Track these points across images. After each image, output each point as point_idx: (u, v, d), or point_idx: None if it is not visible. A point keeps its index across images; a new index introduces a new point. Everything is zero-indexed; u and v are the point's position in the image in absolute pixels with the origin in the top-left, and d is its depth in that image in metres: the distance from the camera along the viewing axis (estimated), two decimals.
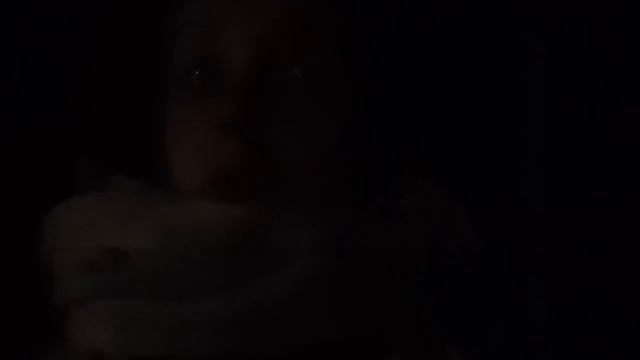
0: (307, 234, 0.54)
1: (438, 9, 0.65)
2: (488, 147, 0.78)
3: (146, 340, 0.53)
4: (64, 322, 0.57)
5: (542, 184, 0.83)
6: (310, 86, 0.57)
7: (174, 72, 0.60)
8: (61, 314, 0.57)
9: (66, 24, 0.64)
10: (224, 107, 0.56)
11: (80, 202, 0.58)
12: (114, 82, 0.61)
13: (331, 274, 0.53)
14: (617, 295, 0.81)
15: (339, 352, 0.54)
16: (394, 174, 0.59)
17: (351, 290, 0.54)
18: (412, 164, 0.60)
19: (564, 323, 0.80)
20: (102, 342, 0.54)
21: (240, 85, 0.56)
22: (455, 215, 0.59)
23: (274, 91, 0.57)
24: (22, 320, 0.62)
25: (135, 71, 0.61)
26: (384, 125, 0.60)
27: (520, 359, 0.67)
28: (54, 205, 0.59)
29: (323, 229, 0.54)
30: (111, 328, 0.54)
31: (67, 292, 0.56)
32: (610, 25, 0.81)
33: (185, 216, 0.55)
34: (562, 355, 0.80)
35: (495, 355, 0.60)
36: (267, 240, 0.53)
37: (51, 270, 0.57)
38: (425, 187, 0.59)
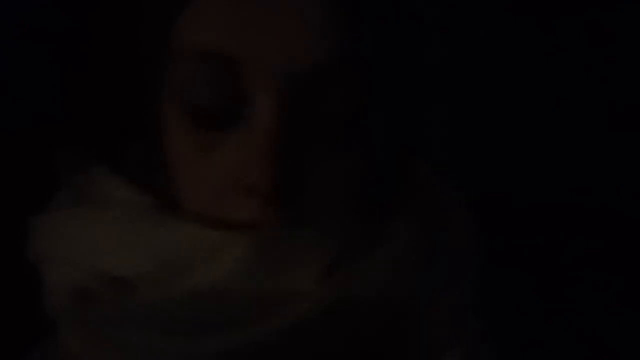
0: (316, 267, 0.50)
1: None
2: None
3: None
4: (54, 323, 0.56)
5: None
6: (344, 120, 0.51)
7: (173, 99, 0.51)
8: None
9: (56, 22, 0.62)
10: (247, 165, 0.49)
11: (71, 216, 0.54)
12: (100, 78, 0.57)
13: (339, 307, 0.51)
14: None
15: None
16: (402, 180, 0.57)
17: (357, 320, 0.52)
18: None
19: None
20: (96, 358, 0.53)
21: (266, 142, 0.48)
22: (464, 239, 0.56)
23: (305, 136, 0.50)
24: (13, 318, 0.61)
25: (127, 72, 0.55)
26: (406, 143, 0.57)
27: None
28: (41, 203, 0.56)
29: (333, 261, 0.51)
30: (105, 353, 0.52)
31: (58, 311, 0.54)
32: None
33: (188, 245, 0.51)
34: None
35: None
36: (274, 272, 0.50)
37: (40, 275, 0.55)
38: (432, 194, 0.57)
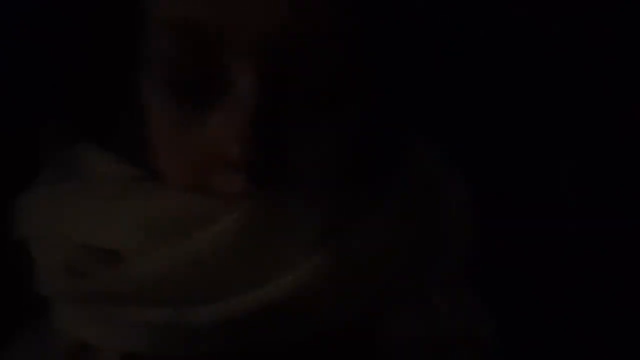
0: (308, 234, 0.50)
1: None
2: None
3: (136, 340, 0.51)
4: (43, 304, 0.55)
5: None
6: (325, 92, 0.51)
7: (154, 74, 0.51)
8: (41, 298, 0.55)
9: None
10: (228, 140, 0.49)
11: (58, 191, 0.54)
12: (83, 52, 0.55)
13: (332, 274, 0.51)
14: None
15: (334, 343, 0.52)
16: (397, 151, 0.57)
17: (351, 286, 0.52)
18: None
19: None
20: (90, 337, 0.53)
21: (246, 117, 0.48)
22: (457, 207, 0.57)
23: (287, 109, 0.50)
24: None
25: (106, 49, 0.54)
26: (395, 112, 0.56)
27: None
28: (22, 183, 0.56)
29: (325, 228, 0.51)
30: (100, 327, 0.52)
31: (49, 290, 0.54)
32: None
33: (177, 213, 0.51)
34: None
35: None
36: (266, 240, 0.50)
37: (27, 254, 0.55)
38: (430, 167, 0.57)
